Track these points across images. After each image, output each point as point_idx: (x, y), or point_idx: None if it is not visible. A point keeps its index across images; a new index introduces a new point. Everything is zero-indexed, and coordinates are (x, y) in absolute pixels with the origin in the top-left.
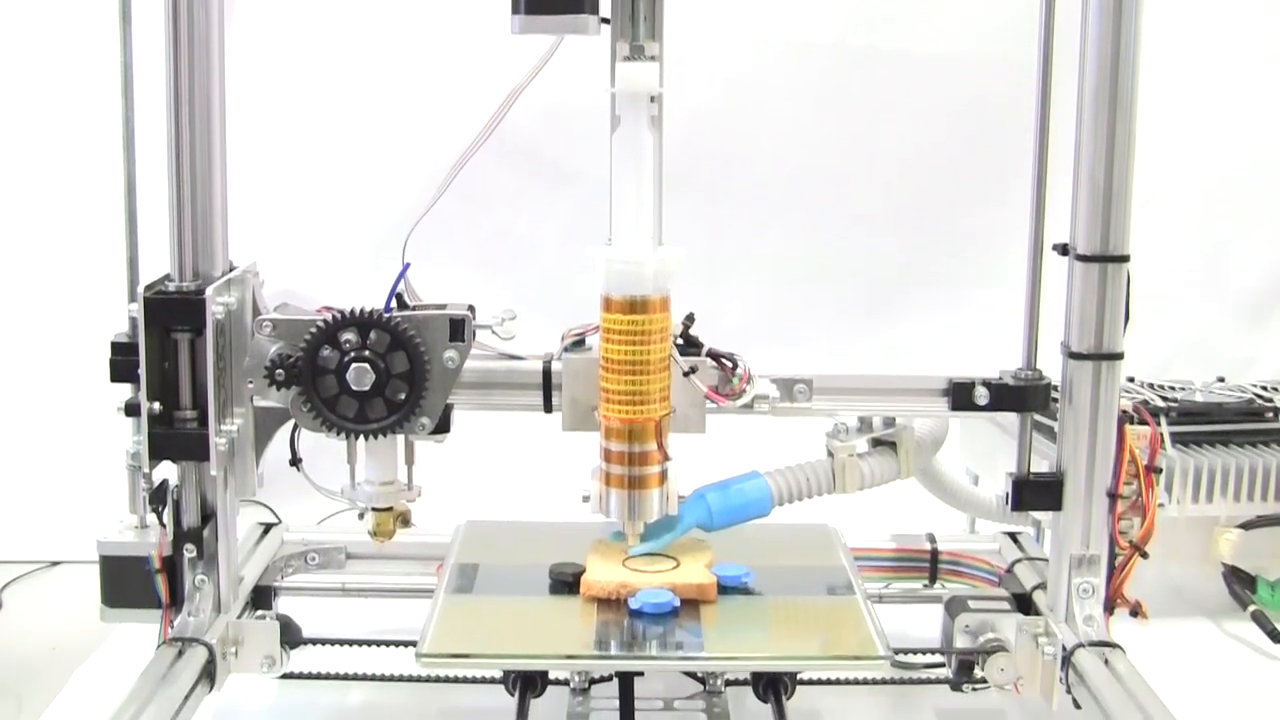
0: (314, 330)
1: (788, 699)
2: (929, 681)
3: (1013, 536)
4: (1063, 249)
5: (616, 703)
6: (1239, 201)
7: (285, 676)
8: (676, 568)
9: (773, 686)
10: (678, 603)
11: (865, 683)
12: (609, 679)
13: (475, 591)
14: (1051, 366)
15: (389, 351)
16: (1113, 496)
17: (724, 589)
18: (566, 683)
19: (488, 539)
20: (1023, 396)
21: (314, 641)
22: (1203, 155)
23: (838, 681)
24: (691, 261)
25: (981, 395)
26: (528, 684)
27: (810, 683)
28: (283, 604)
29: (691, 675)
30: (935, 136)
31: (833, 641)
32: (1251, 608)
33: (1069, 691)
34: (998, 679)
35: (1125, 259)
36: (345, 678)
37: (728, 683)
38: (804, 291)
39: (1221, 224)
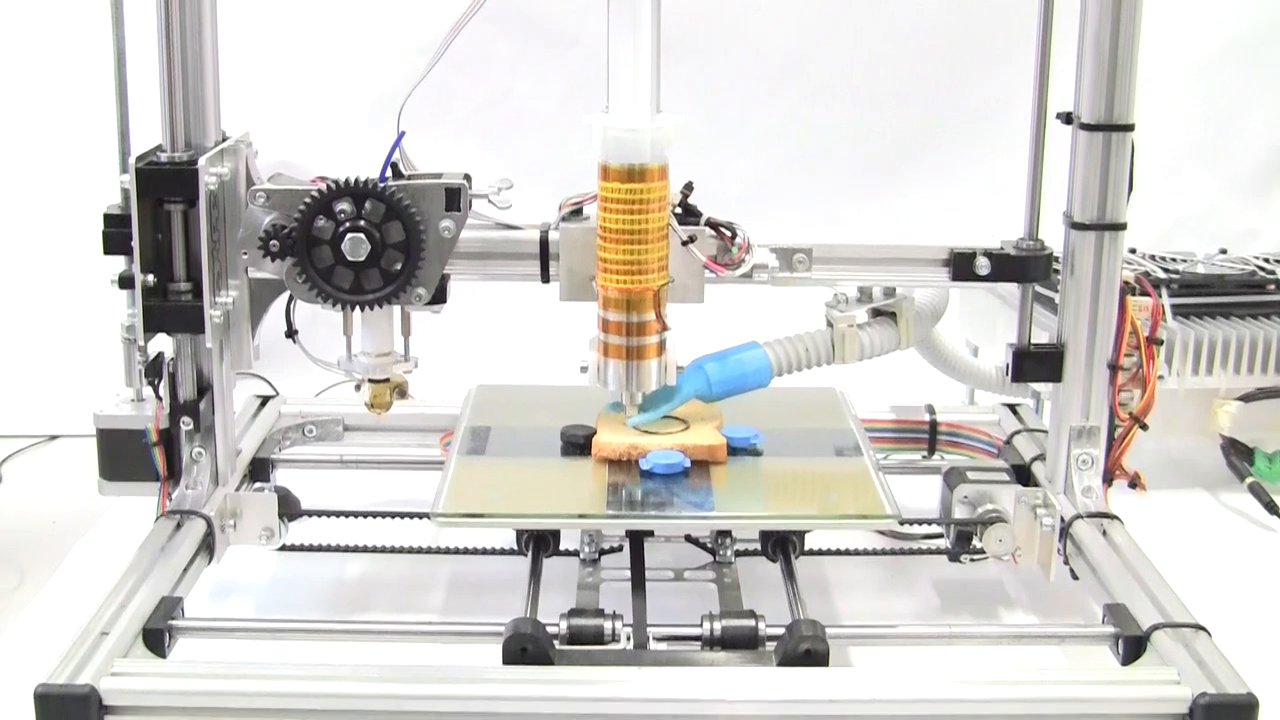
0: (308, 200)
1: (796, 559)
2: (927, 552)
3: (1012, 408)
4: (1066, 118)
5: (627, 573)
6: (1244, 73)
7: (284, 549)
8: (686, 430)
9: (781, 546)
10: (688, 464)
11: (864, 553)
12: (619, 549)
13: (487, 454)
14: (1054, 237)
15: (384, 221)
16: (1113, 368)
17: (733, 450)
18: (576, 553)
19: (499, 402)
20: (1024, 267)
21: (313, 513)
22: (1209, 25)
23: (837, 551)
24: (690, 129)
25: (983, 265)
26: (540, 545)
27: (811, 552)
28: (281, 476)
29: (701, 546)
30: (939, 3)
31: (842, 502)
32: (1249, 480)
33: (1066, 562)
34: (995, 550)
35: (1130, 128)
36: (344, 550)
37: (737, 553)
38: (805, 160)
39: (1226, 95)
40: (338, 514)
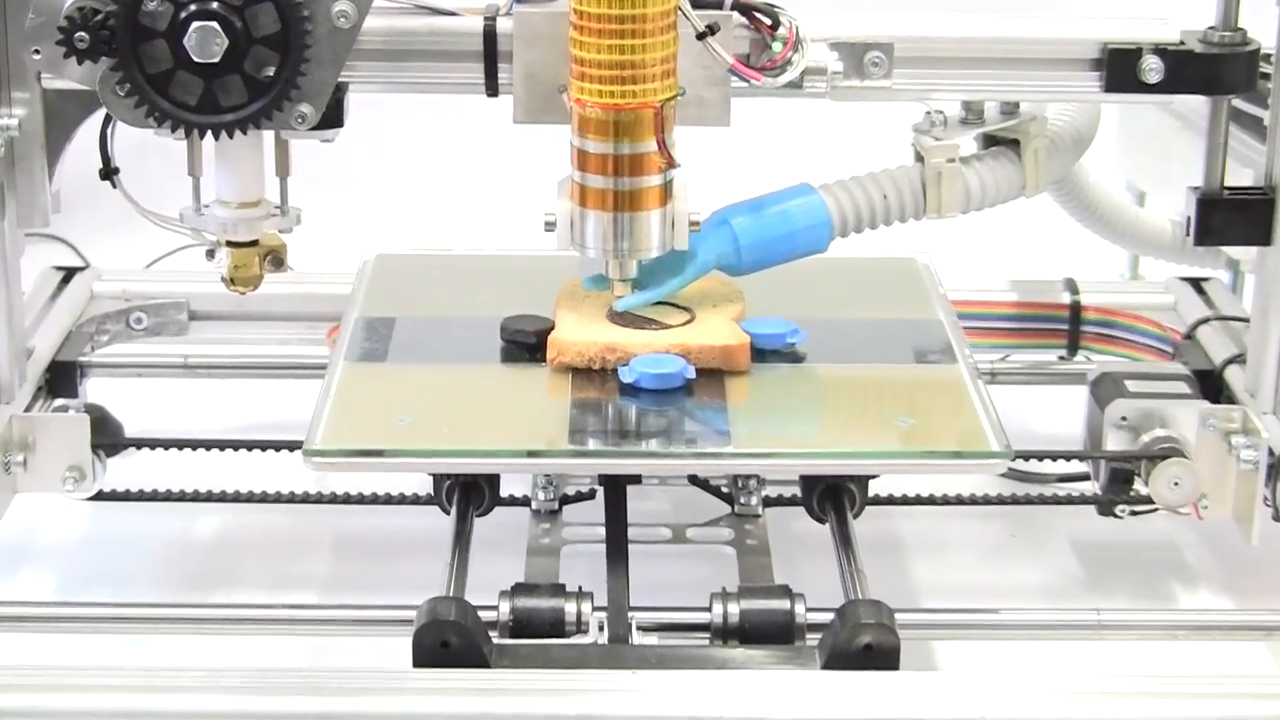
0: None
1: (854, 515)
2: (1064, 500)
3: (1196, 284)
4: None
5: (601, 531)
6: None
7: (100, 496)
8: (690, 322)
9: (832, 498)
10: (692, 373)
11: (968, 502)
12: (589, 495)
13: (390, 359)
14: (1262, 26)
15: (249, 4)
16: None
17: (760, 353)
18: (527, 501)
19: (408, 281)
20: (1216, 70)
21: (143, 444)
22: None
23: (928, 500)
24: None
25: (1152, 68)
26: (470, 496)
27: (887, 501)
28: (94, 389)
29: (713, 490)
30: None
31: (921, 431)
32: None
33: (1277, 517)
34: (1169, 497)
35: None
36: (191, 498)
37: (767, 502)
38: None
39: None
40: (180, 444)
